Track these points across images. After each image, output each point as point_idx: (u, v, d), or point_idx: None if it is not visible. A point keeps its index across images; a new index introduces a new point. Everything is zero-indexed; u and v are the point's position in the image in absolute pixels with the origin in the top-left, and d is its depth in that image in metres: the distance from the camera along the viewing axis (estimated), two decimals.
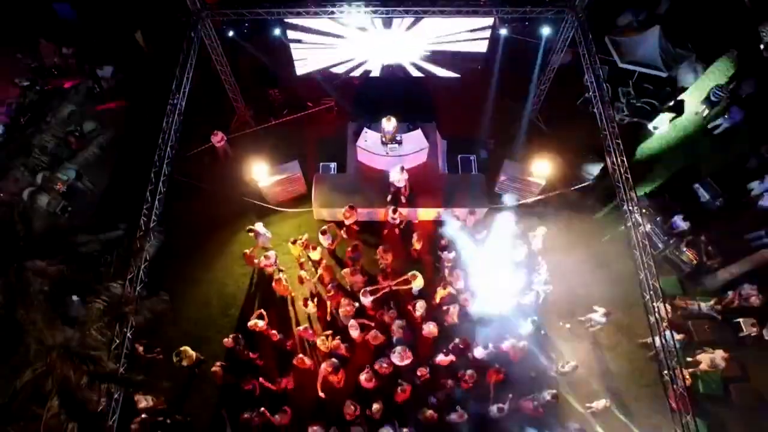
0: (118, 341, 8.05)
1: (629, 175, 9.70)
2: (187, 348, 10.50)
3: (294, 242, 11.23)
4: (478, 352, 10.33)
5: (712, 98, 13.86)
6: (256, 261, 11.31)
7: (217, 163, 13.29)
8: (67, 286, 7.53)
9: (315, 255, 11.34)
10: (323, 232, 11.26)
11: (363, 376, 9.94)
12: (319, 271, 11.20)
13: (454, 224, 11.64)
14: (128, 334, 7.81)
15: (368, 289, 10.73)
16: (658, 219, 12.19)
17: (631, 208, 9.43)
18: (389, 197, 12.02)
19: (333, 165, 13.04)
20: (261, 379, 10.19)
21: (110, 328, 7.91)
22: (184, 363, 10.56)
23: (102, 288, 7.60)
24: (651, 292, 8.77)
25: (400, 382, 9.96)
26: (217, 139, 12.70)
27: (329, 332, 10.55)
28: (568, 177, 12.89)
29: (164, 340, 10.83)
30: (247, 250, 11.20)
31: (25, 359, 6.88)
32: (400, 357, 10.10)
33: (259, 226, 11.35)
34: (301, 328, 10.66)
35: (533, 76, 13.30)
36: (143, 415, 10.08)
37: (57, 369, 7.04)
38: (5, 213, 7.47)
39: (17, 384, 6.87)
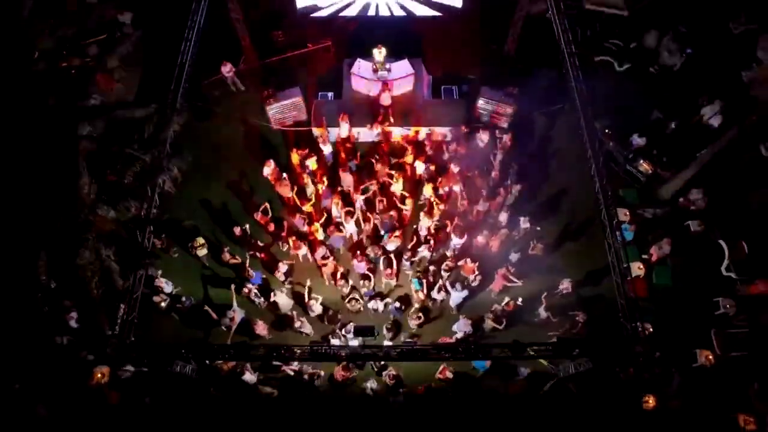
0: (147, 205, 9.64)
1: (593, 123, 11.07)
2: (200, 238, 12.10)
3: (294, 151, 12.79)
4: (455, 241, 11.89)
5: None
6: None
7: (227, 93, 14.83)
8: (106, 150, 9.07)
9: (312, 163, 12.84)
10: (323, 142, 12.89)
11: (356, 259, 11.50)
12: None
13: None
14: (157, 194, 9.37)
15: (360, 186, 12.36)
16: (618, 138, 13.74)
17: (595, 164, 10.61)
18: (380, 117, 13.57)
19: (330, 94, 14.65)
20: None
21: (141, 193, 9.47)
22: (198, 253, 12.13)
23: (133, 151, 9.11)
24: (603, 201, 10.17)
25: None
26: (227, 69, 14.18)
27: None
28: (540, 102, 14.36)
29: (179, 236, 12.41)
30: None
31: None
32: (390, 241, 11.65)
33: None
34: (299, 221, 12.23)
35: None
36: (163, 297, 11.63)
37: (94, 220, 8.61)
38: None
39: None
